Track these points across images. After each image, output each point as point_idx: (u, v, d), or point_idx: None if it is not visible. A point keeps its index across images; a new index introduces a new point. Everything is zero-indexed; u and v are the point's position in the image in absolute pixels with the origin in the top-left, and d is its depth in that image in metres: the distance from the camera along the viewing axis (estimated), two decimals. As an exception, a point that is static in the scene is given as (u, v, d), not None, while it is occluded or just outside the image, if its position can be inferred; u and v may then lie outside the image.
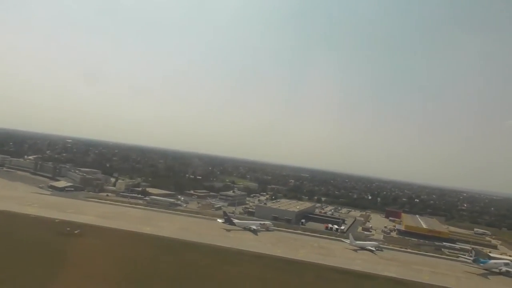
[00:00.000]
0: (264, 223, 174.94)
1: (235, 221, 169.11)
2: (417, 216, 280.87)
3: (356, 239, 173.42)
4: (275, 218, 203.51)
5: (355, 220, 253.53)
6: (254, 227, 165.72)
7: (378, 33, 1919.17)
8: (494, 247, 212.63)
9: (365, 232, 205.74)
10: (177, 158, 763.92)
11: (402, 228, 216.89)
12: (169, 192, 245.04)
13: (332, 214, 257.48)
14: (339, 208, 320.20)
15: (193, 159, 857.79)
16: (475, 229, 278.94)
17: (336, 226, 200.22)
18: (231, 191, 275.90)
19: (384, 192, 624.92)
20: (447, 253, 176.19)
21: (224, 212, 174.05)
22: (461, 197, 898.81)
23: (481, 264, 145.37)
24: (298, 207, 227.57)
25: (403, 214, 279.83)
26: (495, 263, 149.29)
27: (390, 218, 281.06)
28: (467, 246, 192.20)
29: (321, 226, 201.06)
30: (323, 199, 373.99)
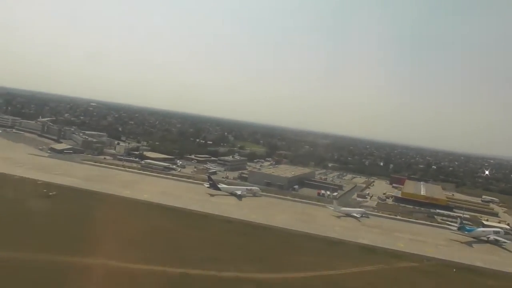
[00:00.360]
0: (251, 189, 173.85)
1: (221, 186, 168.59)
2: (422, 183, 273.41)
3: (348, 205, 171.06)
4: (268, 184, 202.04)
5: (354, 186, 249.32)
6: (239, 192, 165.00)
7: None
8: (495, 214, 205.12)
9: (359, 199, 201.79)
10: (196, 123, 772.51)
11: (399, 195, 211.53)
12: (168, 156, 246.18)
13: (332, 181, 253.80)
14: (344, 174, 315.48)
15: (213, 124, 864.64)
16: (483, 196, 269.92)
17: (328, 192, 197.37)
18: (231, 156, 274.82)
19: (402, 159, 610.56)
20: (439, 220, 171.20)
21: (209, 177, 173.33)
22: (486, 164, 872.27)
23: (466, 232, 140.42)
24: (293, 173, 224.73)
25: (406, 181, 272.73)
26: (483, 231, 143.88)
27: (394, 185, 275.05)
28: (465, 214, 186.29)
29: (314, 193, 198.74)
30: (330, 165, 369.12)
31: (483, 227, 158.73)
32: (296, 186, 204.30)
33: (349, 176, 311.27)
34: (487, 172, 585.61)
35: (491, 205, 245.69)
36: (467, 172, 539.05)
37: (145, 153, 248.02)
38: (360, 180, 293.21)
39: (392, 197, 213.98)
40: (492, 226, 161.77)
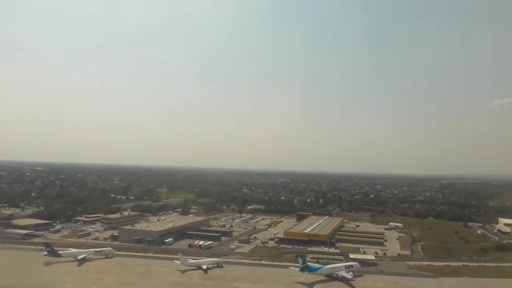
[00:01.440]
0: (101, 250, 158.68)
1: (66, 252, 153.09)
2: (326, 217, 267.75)
3: (215, 255, 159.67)
4: (137, 241, 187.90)
5: (251, 230, 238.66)
6: (81, 256, 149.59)
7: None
8: (381, 243, 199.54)
9: (239, 244, 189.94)
10: (131, 176, 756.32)
11: (282, 235, 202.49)
12: (45, 221, 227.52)
13: (231, 226, 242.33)
14: (255, 216, 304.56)
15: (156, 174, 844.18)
16: (390, 223, 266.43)
17: (201, 243, 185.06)
18: (119, 213, 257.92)
19: (335, 192, 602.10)
20: (309, 259, 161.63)
21: (46, 244, 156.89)
22: (435, 186, 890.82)
23: (312, 272, 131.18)
24: (171, 224, 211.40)
25: (310, 217, 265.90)
26: (332, 267, 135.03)
27: (298, 222, 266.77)
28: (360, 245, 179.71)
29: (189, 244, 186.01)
30: (250, 207, 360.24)
31: (351, 261, 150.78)
32: (168, 240, 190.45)
33: (260, 218, 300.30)
34: (426, 194, 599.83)
35: (393, 231, 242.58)
36: (401, 197, 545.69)
37: (16, 220, 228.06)
38: (268, 221, 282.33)
39: (275, 238, 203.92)
40: (357, 259, 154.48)
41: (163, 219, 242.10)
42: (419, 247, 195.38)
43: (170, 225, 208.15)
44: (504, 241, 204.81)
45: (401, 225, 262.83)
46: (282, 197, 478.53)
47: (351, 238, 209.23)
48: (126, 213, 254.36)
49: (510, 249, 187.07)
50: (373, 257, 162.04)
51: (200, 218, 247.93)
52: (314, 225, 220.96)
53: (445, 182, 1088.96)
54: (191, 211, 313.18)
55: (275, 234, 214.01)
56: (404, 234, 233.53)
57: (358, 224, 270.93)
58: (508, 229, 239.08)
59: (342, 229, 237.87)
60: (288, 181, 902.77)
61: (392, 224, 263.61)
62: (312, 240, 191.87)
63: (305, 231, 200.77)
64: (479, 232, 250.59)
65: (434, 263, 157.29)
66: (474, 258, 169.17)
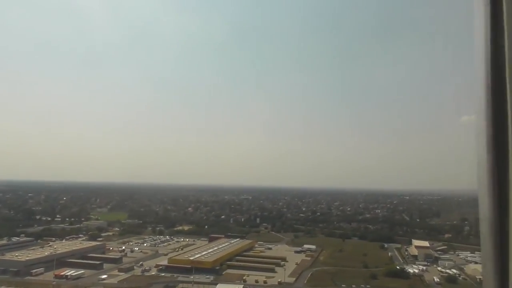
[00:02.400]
0: None
1: None
2: (237, 240, 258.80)
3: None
4: (3, 272, 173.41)
5: (155, 253, 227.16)
6: None
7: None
8: (272, 270, 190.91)
9: (112, 274, 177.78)
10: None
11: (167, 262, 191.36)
12: None
13: (125, 253, 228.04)
14: (171, 238, 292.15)
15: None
16: (304, 246, 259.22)
17: (70, 272, 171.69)
18: (6, 239, 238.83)
19: (283, 209, 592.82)
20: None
21: None
22: (394, 202, 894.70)
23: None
24: (49, 251, 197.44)
25: (220, 239, 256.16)
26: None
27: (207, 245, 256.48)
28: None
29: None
30: (177, 228, 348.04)
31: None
32: (38, 270, 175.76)
33: (176, 240, 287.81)
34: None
35: (301, 255, 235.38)
36: (351, 215, 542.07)
37: None
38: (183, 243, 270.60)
39: (161, 266, 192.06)
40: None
41: (48, 245, 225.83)
42: (310, 273, 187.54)
43: (47, 253, 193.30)
44: (397, 266, 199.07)
45: (314, 247, 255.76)
46: (222, 216, 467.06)
47: (247, 264, 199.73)
48: (15, 239, 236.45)
49: (399, 275, 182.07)
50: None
51: (93, 243, 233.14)
52: (209, 250, 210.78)
53: (407, 197, 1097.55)
54: (104, 234, 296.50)
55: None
56: (309, 258, 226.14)
57: (270, 247, 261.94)
58: (416, 252, 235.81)
59: (245, 253, 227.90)
60: (250, 197, 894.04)
61: (306, 246, 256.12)
62: (197, 268, 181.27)
63: (191, 258, 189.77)
64: (389, 254, 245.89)
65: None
66: (354, 286, 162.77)
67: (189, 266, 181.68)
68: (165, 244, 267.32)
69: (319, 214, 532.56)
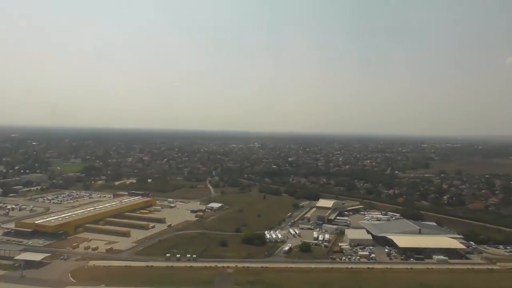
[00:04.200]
0: None
1: None
2: (138, 197, 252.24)
3: None
4: None
5: (47, 210, 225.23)
6: None
7: None
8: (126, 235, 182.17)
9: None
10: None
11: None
12: None
13: (18, 210, 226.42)
14: (89, 194, 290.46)
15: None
16: (211, 203, 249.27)
17: None
18: None
19: (265, 160, 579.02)
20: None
21: None
22: (404, 150, 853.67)
23: None
24: None
25: (123, 197, 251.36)
26: None
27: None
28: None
29: None
30: (119, 181, 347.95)
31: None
32: None
33: (98, 195, 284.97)
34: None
35: (192, 215, 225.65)
36: (327, 167, 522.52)
37: None
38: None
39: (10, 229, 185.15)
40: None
41: None
42: (159, 240, 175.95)
43: None
44: (256, 232, 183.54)
45: (218, 205, 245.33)
46: (187, 168, 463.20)
47: (110, 227, 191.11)
48: None
49: (253, 242, 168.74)
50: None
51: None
52: (81, 210, 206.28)
53: (425, 145, 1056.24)
54: (25, 189, 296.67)
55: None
56: (196, 219, 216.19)
57: (174, 205, 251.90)
58: (315, 213, 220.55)
59: (127, 213, 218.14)
60: (257, 145, 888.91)
61: (211, 205, 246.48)
62: (41, 232, 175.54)
63: (37, 221, 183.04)
64: (288, 214, 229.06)
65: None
66: (178, 255, 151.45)
67: (36, 229, 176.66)
68: (73, 200, 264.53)
69: (287, 166, 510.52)
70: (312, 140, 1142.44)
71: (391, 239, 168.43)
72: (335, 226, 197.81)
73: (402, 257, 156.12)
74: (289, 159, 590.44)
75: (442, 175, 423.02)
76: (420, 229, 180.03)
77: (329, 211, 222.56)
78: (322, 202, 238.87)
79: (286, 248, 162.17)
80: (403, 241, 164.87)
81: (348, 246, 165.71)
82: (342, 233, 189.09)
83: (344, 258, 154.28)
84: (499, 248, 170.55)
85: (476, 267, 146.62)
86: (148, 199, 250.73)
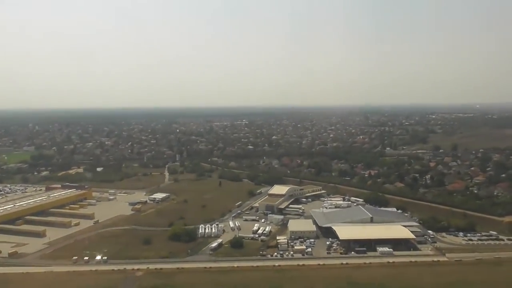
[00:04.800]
0: None
1: None
2: (73, 190, 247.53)
3: None
4: None
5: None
6: None
7: None
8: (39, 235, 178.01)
9: None
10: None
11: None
12: None
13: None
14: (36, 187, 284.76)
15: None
16: (156, 194, 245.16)
17: None
18: None
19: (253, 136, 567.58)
20: None
21: None
22: (405, 123, 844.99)
23: None
24: None
25: (56, 190, 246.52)
26: None
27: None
28: None
29: None
30: (70, 170, 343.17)
31: None
32: None
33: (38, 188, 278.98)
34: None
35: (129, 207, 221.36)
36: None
37: None
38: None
39: None
40: None
41: None
42: (76, 239, 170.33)
43: None
44: (189, 226, 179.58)
45: (163, 196, 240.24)
46: (151, 153, 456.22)
47: (26, 227, 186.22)
48: None
49: (182, 239, 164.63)
50: None
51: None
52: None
53: (433, 116, 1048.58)
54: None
55: None
56: (132, 212, 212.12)
57: (112, 197, 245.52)
58: (265, 201, 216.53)
59: (53, 210, 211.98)
60: (245, 122, 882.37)
61: (155, 195, 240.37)
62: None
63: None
64: (239, 203, 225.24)
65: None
66: (86, 258, 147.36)
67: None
68: (1, 196, 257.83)
69: (266, 146, 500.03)
70: (316, 114, 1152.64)
71: (334, 230, 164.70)
72: (281, 217, 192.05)
73: (342, 251, 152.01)
74: (273, 137, 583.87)
75: (439, 151, 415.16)
76: (372, 218, 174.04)
77: (281, 199, 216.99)
78: (276, 189, 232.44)
79: (214, 244, 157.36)
80: (346, 232, 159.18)
81: (285, 240, 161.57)
82: (282, 224, 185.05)
83: (276, 254, 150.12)
84: (458, 236, 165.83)
85: (420, 259, 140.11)
86: (83, 191, 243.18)
